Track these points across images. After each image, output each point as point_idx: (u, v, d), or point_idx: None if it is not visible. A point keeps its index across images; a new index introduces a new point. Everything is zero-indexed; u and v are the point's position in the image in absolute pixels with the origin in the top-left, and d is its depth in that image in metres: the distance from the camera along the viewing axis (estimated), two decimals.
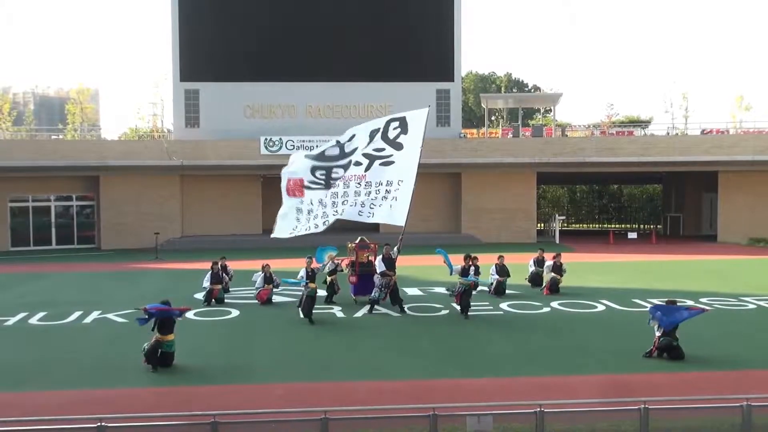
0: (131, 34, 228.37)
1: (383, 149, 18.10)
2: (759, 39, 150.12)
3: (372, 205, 17.83)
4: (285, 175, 19.21)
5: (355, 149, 18.64)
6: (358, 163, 18.24)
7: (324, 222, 18.23)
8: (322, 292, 18.04)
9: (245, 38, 36.88)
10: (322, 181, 18.51)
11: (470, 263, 17.13)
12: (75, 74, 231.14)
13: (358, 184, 17.99)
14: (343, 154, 18.73)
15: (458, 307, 17.12)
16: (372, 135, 18.51)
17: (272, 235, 19.06)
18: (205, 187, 36.45)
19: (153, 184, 35.48)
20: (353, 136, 18.93)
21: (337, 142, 19.11)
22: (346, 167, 18.50)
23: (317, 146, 19.26)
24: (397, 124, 18.34)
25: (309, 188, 18.52)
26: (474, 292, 17.49)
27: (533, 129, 42.84)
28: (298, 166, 19.16)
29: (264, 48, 36.90)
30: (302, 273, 16.87)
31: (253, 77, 36.87)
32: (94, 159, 34.75)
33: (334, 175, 18.53)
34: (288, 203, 18.88)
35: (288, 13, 37.09)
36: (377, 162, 18.03)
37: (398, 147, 18.01)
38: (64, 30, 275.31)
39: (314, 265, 17.62)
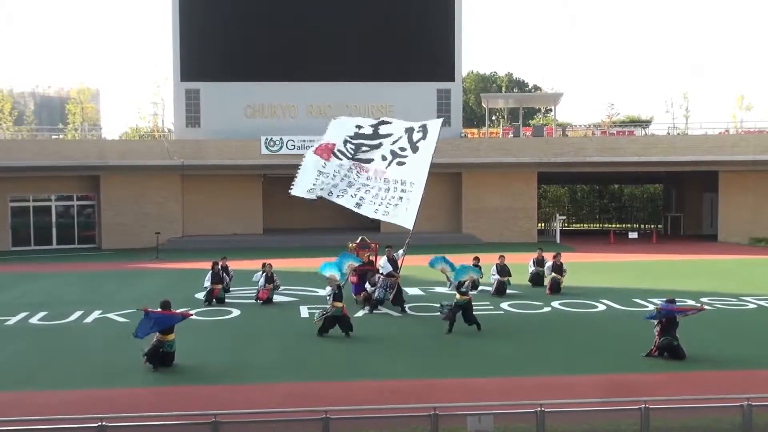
0: (132, 34, 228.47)
1: (405, 149, 18.42)
2: (759, 39, 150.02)
3: (388, 204, 17.93)
4: (326, 138, 19.03)
5: (388, 136, 18.77)
6: (384, 158, 18.34)
7: (337, 195, 18.13)
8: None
9: (246, 38, 36.86)
10: (350, 154, 18.58)
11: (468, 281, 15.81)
12: (75, 74, 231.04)
13: (384, 181, 18.09)
14: (376, 135, 18.90)
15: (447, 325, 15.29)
16: (408, 131, 18.76)
17: (290, 191, 18.54)
18: (205, 186, 36.44)
19: (154, 184, 35.48)
20: (390, 123, 19.15)
21: (376, 124, 19.35)
22: (373, 148, 18.59)
23: (354, 123, 19.33)
24: (421, 126, 18.81)
25: (336, 156, 18.50)
26: (474, 292, 17.22)
27: (534, 129, 42.82)
28: (333, 135, 19.04)
29: (264, 48, 36.89)
30: (328, 290, 15.67)
31: (253, 77, 36.85)
32: (95, 159, 34.75)
33: (363, 149, 18.64)
34: (311, 159, 18.55)
35: (288, 13, 37.06)
36: (395, 160, 18.21)
37: (415, 150, 18.35)
38: (64, 30, 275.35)
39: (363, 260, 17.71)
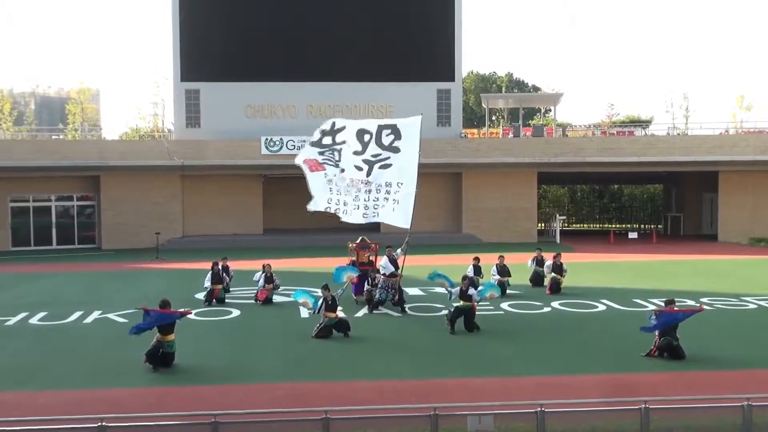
0: (132, 34, 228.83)
1: (380, 154, 18.26)
2: (759, 39, 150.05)
3: (375, 206, 17.98)
4: (299, 160, 19.19)
5: (344, 143, 18.65)
6: (359, 168, 18.28)
7: (344, 212, 18.38)
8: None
9: (246, 38, 36.88)
10: (330, 160, 18.70)
11: (468, 283, 15.74)
12: (76, 74, 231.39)
13: (362, 183, 18.11)
14: (334, 144, 18.76)
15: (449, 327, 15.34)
16: (360, 137, 18.51)
17: (308, 207, 18.72)
18: (205, 187, 36.44)
19: (154, 184, 35.48)
20: (343, 127, 18.94)
21: (323, 131, 19.08)
22: (339, 154, 18.59)
23: (307, 140, 19.32)
24: (389, 131, 18.50)
25: (326, 163, 18.69)
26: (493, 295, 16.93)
27: (534, 129, 42.80)
28: (306, 154, 19.20)
29: (264, 48, 36.90)
30: (320, 302, 15.28)
31: (253, 77, 36.86)
32: (95, 159, 34.75)
33: (329, 158, 18.69)
34: (315, 178, 18.70)
35: (289, 13, 37.08)
36: (376, 166, 18.18)
37: (395, 151, 18.20)
38: (64, 30, 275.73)
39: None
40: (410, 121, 18.73)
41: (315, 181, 18.68)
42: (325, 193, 18.53)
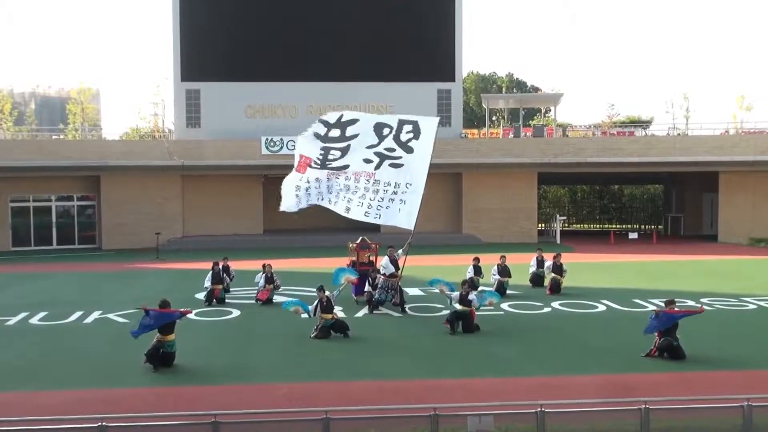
0: (132, 34, 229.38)
1: (394, 150, 18.03)
2: (760, 39, 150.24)
3: (379, 207, 17.74)
4: (298, 151, 19.04)
5: (356, 136, 18.43)
6: (368, 161, 18.10)
7: (329, 201, 18.08)
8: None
9: (246, 38, 36.89)
10: (320, 161, 18.44)
11: (468, 288, 15.74)
12: (76, 74, 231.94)
13: (367, 181, 17.91)
14: (344, 138, 18.54)
15: (448, 329, 15.28)
16: (379, 131, 18.36)
17: (280, 208, 18.86)
18: (206, 187, 36.46)
19: (154, 184, 35.49)
20: (356, 120, 18.77)
21: (327, 123, 18.91)
22: (344, 151, 18.34)
23: (318, 127, 19.03)
24: (410, 127, 18.25)
25: (311, 167, 18.45)
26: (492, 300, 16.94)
27: (534, 129, 42.83)
28: (306, 144, 19.00)
29: (265, 48, 36.91)
30: (314, 304, 15.19)
31: (253, 77, 36.87)
32: (95, 159, 34.76)
33: (330, 156, 18.36)
34: (290, 177, 18.64)
35: (289, 13, 37.10)
36: (387, 162, 17.95)
37: (409, 150, 17.95)
38: (64, 30, 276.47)
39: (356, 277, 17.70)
40: (429, 122, 18.57)
41: (287, 181, 18.55)
42: (292, 197, 18.32)
